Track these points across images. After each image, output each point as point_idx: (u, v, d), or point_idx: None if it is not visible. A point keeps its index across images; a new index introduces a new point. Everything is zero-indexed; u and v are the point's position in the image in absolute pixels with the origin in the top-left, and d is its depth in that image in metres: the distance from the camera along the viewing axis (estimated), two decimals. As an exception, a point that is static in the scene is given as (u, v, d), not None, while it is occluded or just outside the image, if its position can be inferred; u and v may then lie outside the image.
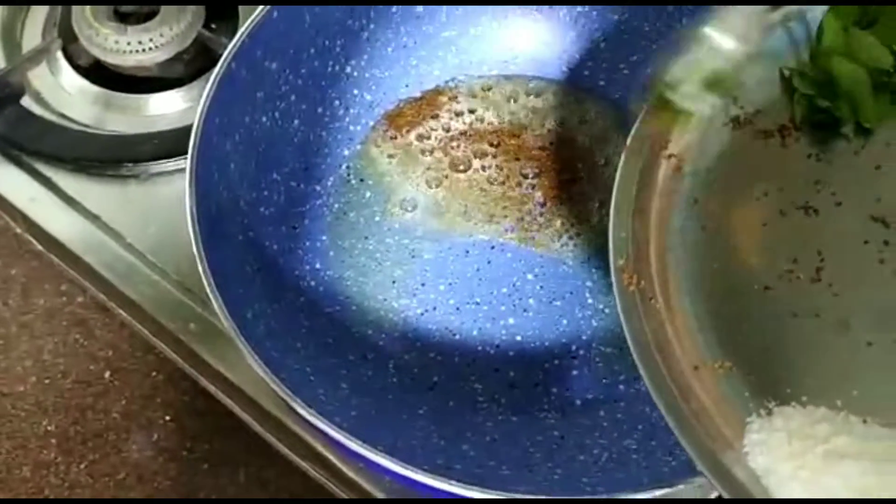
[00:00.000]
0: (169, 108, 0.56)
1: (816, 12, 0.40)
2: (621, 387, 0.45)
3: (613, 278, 0.36)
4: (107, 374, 0.57)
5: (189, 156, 0.41)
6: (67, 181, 0.53)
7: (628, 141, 0.39)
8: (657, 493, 0.35)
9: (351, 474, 0.44)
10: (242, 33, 0.44)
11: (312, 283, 0.48)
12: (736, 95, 0.40)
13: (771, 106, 0.41)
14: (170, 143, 0.52)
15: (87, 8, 0.56)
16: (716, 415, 0.33)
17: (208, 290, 0.38)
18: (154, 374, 0.58)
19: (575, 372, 0.46)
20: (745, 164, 0.40)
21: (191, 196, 0.40)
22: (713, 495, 0.37)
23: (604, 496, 0.35)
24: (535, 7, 0.54)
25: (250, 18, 0.45)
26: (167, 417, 0.56)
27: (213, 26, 0.59)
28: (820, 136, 0.40)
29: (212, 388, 0.51)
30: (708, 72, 0.39)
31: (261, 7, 0.45)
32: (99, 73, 0.58)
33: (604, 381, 0.45)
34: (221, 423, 0.54)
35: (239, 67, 0.44)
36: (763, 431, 0.32)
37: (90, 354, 0.58)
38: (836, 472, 0.29)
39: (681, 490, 0.34)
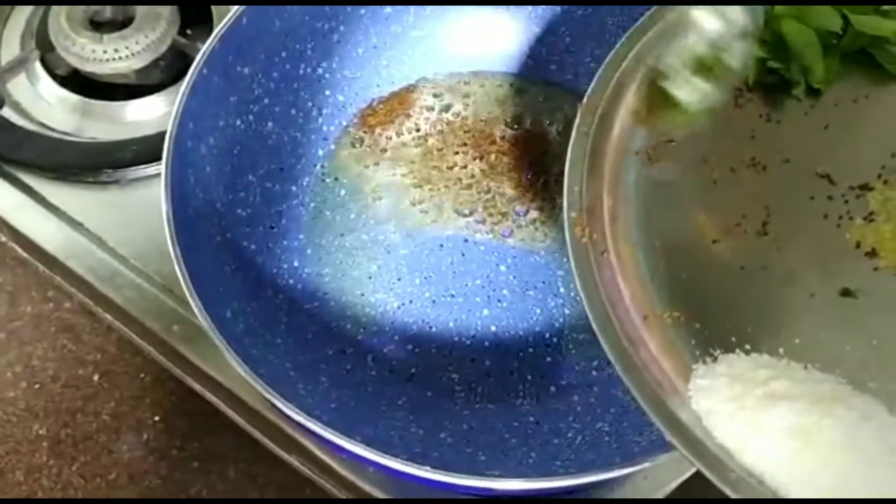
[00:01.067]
0: (147, 113, 0.57)
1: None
2: (594, 372, 0.46)
3: (566, 231, 0.36)
4: (95, 378, 0.57)
5: (164, 162, 0.41)
6: (49, 189, 0.53)
7: (584, 100, 0.39)
8: (626, 471, 0.35)
9: (335, 466, 0.45)
10: (213, 39, 0.44)
11: (291, 281, 0.48)
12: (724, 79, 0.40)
13: None
14: (149, 149, 0.53)
15: (64, 18, 0.56)
16: (663, 362, 0.33)
17: (186, 290, 0.38)
18: (142, 375, 0.58)
19: (549, 359, 0.46)
20: (699, 123, 0.40)
21: (167, 200, 0.41)
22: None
23: (576, 477, 0.36)
24: (502, 5, 0.54)
25: (220, 25, 0.45)
26: (156, 418, 0.56)
27: (189, 32, 0.60)
28: (772, 98, 0.40)
29: (198, 388, 0.51)
30: (697, 57, 0.39)
31: (230, 13, 0.45)
32: (77, 81, 0.58)
33: (576, 367, 0.46)
34: (209, 421, 0.54)
35: (211, 73, 0.44)
36: (707, 377, 0.33)
37: (78, 359, 0.58)
38: (774, 413, 0.30)
39: (646, 467, 0.35)
